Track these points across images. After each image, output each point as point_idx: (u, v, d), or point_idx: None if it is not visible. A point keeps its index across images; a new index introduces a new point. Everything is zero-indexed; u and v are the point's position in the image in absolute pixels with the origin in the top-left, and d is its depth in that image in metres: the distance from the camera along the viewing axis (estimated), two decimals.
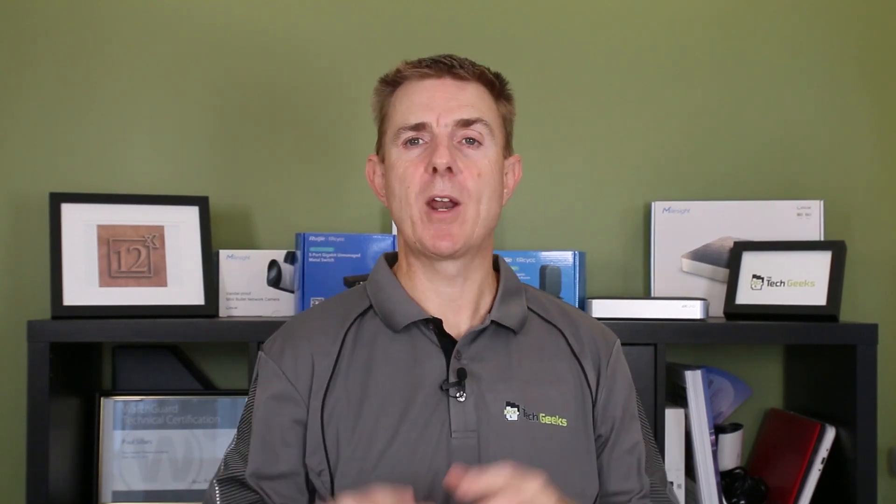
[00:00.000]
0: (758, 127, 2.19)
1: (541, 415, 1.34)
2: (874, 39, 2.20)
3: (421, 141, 1.34)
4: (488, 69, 1.39)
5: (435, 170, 1.31)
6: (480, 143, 1.35)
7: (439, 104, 1.34)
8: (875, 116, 2.20)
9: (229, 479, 1.37)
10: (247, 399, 1.43)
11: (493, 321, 1.37)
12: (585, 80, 2.19)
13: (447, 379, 1.33)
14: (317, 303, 1.93)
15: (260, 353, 1.41)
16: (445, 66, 1.35)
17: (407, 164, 1.34)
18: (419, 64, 1.36)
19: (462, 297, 1.38)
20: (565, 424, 1.35)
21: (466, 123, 1.34)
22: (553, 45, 2.18)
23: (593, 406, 1.39)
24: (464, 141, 1.34)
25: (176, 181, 2.11)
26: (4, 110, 2.10)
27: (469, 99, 1.35)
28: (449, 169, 1.31)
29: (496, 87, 1.39)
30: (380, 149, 1.41)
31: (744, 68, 2.19)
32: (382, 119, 1.40)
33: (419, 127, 1.34)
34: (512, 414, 1.33)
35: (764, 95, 2.19)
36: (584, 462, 1.36)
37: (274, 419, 1.36)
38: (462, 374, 1.33)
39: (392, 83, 1.39)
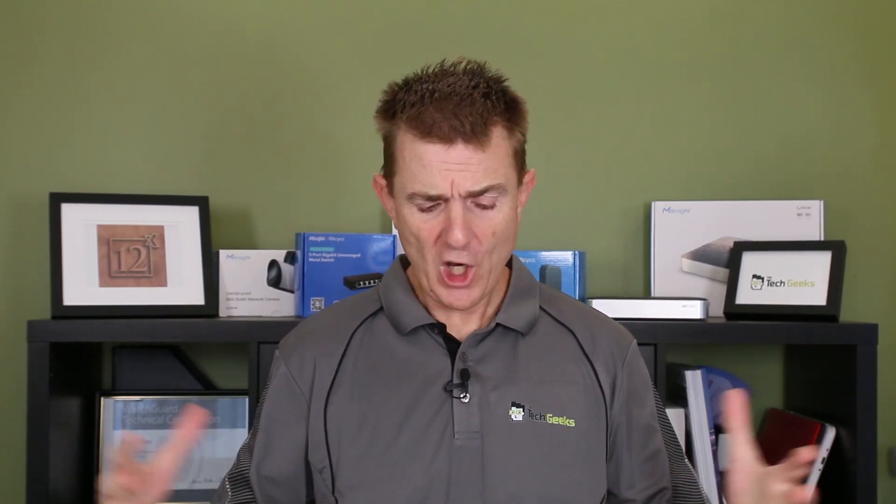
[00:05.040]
0: (758, 127, 2.19)
1: (548, 415, 1.34)
2: (874, 39, 2.20)
3: (434, 206, 1.28)
4: (502, 102, 1.29)
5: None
6: (495, 205, 1.29)
7: (453, 173, 1.25)
8: (875, 116, 2.20)
9: (238, 477, 1.42)
10: (262, 393, 1.45)
11: (498, 323, 1.36)
12: (585, 80, 2.19)
13: (451, 380, 1.33)
14: (317, 303, 1.94)
15: (276, 349, 1.44)
16: (456, 132, 1.25)
17: (421, 224, 1.29)
18: (428, 132, 1.25)
19: None
20: (573, 425, 1.34)
21: (480, 193, 1.27)
22: (553, 45, 2.18)
23: (608, 409, 1.39)
24: (477, 205, 1.29)
25: (176, 181, 2.11)
26: (4, 110, 2.10)
27: (483, 160, 1.26)
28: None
29: (509, 119, 1.30)
30: (386, 171, 1.35)
31: (744, 68, 2.19)
32: (390, 155, 1.33)
33: (433, 198, 1.27)
34: (517, 414, 1.33)
35: (764, 95, 2.19)
36: (593, 463, 1.36)
37: (278, 418, 1.38)
38: (465, 375, 1.33)
39: (392, 118, 1.30)
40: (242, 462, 1.43)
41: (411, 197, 1.29)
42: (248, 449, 1.43)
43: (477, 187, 1.26)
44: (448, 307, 1.33)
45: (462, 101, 1.25)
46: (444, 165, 1.25)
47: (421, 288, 1.38)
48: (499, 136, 1.28)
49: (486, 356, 1.36)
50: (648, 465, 1.41)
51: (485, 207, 1.28)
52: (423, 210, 1.29)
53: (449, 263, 1.29)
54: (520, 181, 1.34)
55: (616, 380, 1.40)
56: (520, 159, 1.33)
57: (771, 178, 2.18)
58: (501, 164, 1.29)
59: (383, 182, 1.37)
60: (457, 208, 1.26)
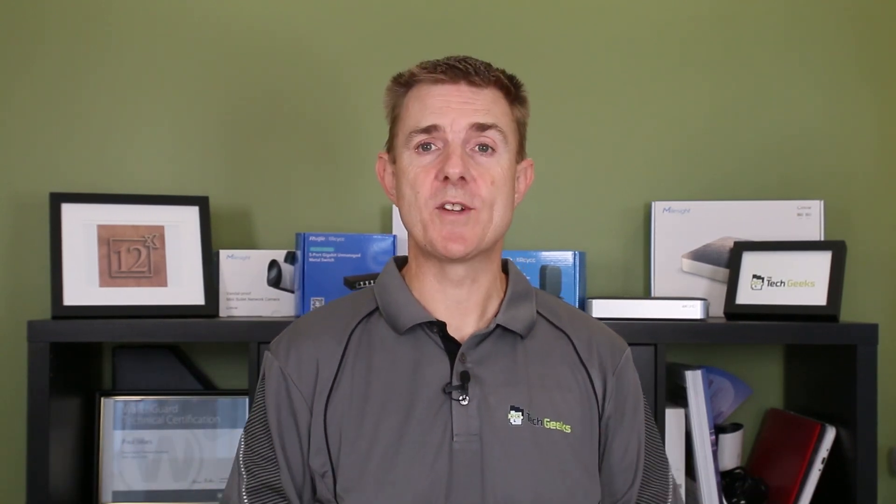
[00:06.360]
0: (758, 127, 2.19)
1: (545, 420, 1.34)
2: (874, 39, 2.20)
3: (433, 147, 1.32)
4: (504, 73, 1.36)
5: (447, 178, 1.30)
6: (494, 151, 1.33)
7: (454, 108, 1.32)
8: (875, 116, 2.20)
9: (262, 488, 1.35)
10: (255, 398, 1.41)
11: (498, 325, 1.36)
12: (585, 80, 2.19)
13: (450, 382, 1.32)
14: (317, 303, 1.93)
15: (266, 352, 1.41)
16: (461, 72, 1.32)
17: (418, 169, 1.32)
18: (434, 68, 1.33)
19: (469, 299, 1.37)
20: (569, 430, 1.34)
21: (481, 128, 1.32)
22: (553, 45, 2.18)
23: (599, 416, 1.38)
24: (477, 148, 1.32)
25: (176, 181, 2.11)
26: (4, 110, 2.10)
27: (484, 104, 1.33)
28: (462, 178, 1.30)
29: (511, 91, 1.37)
30: (391, 148, 1.39)
31: (744, 68, 2.19)
32: (394, 120, 1.38)
33: (431, 129, 1.31)
34: (516, 418, 1.33)
35: (764, 95, 2.19)
36: (588, 469, 1.36)
37: (284, 423, 1.35)
38: (465, 378, 1.32)
39: (405, 84, 1.37)
40: (256, 472, 1.36)
41: (410, 138, 1.33)
42: (259, 457, 1.36)
43: (479, 119, 1.31)
44: (444, 255, 1.32)
45: (468, 58, 1.35)
46: (445, 101, 1.32)
47: (418, 281, 1.38)
48: (500, 97, 1.35)
49: (486, 358, 1.35)
50: (622, 477, 1.40)
51: (484, 151, 1.32)
52: (421, 151, 1.32)
53: (444, 206, 1.31)
54: (519, 155, 1.39)
55: (607, 387, 1.40)
56: (520, 132, 1.39)
57: (771, 178, 2.18)
58: (503, 116, 1.35)
59: (386, 157, 1.40)
60: (455, 141, 1.31)
